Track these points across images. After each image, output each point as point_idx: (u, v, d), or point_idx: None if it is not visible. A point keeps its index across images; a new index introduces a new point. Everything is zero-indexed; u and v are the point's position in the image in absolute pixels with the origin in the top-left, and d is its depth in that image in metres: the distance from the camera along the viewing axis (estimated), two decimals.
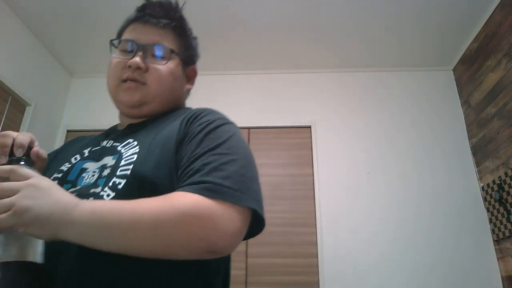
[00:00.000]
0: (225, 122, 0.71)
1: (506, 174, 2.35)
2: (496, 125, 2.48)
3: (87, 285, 0.55)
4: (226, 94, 3.17)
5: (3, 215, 0.50)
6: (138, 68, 0.75)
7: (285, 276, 2.54)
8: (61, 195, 0.55)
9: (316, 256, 2.58)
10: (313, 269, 2.55)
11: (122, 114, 0.83)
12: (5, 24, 2.56)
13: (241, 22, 2.68)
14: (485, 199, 2.62)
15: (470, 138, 2.84)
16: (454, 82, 3.07)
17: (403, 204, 2.70)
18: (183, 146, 0.65)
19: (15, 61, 2.66)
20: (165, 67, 0.77)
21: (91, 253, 0.53)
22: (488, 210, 2.59)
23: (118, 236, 0.53)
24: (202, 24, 2.70)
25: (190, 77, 0.88)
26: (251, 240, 2.64)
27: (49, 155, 0.73)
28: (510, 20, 2.32)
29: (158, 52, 0.77)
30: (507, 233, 2.36)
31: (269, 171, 2.85)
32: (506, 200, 2.35)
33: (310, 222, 2.68)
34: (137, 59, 0.75)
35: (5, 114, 2.56)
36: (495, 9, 2.46)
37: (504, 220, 2.39)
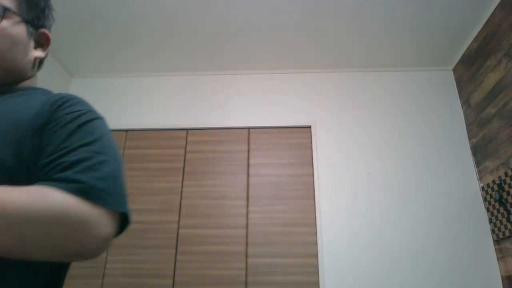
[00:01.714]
0: (97, 117, 0.66)
1: (506, 174, 2.35)
2: (496, 125, 2.48)
3: None
4: (226, 94, 3.17)
5: None
6: None
7: (285, 276, 2.54)
8: None
9: (316, 256, 2.58)
10: (313, 269, 2.55)
11: None
12: None
13: (241, 22, 2.68)
14: (485, 199, 2.62)
15: (470, 138, 2.84)
16: (454, 82, 3.07)
17: (403, 204, 2.70)
18: (46, 133, 0.60)
19: None
20: None
21: None
22: (488, 210, 2.59)
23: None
24: (201, 25, 2.70)
25: (41, 43, 0.77)
26: (251, 240, 2.65)
27: None
28: (510, 20, 2.32)
29: None
30: (507, 233, 2.36)
31: (269, 171, 2.85)
32: (506, 200, 2.35)
33: (310, 222, 2.68)
34: None
35: None
36: (495, 9, 2.46)
37: (504, 220, 2.39)
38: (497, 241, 2.52)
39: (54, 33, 2.80)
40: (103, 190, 0.56)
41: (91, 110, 0.67)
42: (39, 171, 0.57)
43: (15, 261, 0.53)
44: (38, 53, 0.76)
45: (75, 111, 0.64)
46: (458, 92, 3.02)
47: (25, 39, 0.71)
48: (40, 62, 0.80)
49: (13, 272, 0.54)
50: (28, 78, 0.75)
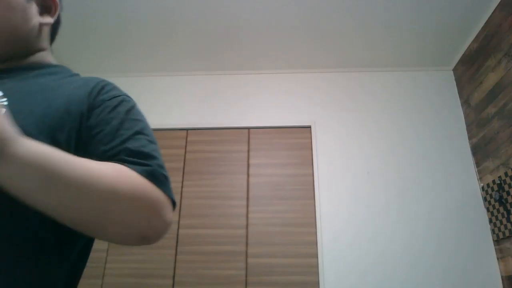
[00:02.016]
0: (134, 102, 0.69)
1: (506, 174, 2.35)
2: (496, 125, 2.48)
3: None
4: (226, 94, 3.17)
5: None
6: None
7: (285, 276, 2.54)
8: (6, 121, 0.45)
9: (316, 256, 2.58)
10: (313, 269, 2.55)
11: None
12: None
13: (241, 22, 2.68)
14: (485, 199, 2.62)
15: (470, 138, 2.84)
16: (454, 82, 3.07)
17: (403, 204, 2.70)
18: (93, 119, 0.60)
19: None
20: None
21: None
22: (488, 210, 2.59)
23: (65, 192, 0.47)
24: (201, 25, 2.70)
25: (47, 8, 0.69)
26: (251, 240, 2.65)
27: None
28: (510, 20, 2.32)
29: None
30: (507, 233, 2.36)
31: (269, 171, 2.85)
32: (506, 200, 2.35)
33: (310, 222, 2.68)
34: None
35: None
36: (495, 9, 2.46)
37: (504, 220, 2.39)
38: (497, 241, 2.52)
39: None
40: (166, 177, 0.58)
41: (126, 95, 0.68)
42: (97, 157, 0.56)
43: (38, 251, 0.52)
44: (45, 19, 0.68)
45: (117, 96, 0.64)
46: (458, 92, 3.02)
47: (22, 2, 0.63)
48: (52, 32, 0.73)
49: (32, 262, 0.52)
50: (40, 50, 0.69)
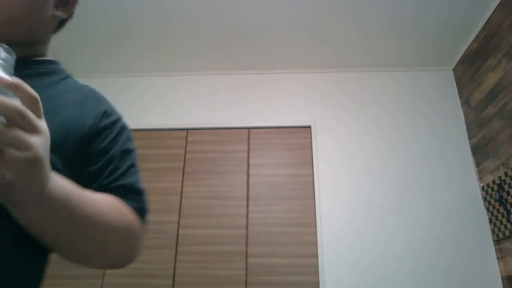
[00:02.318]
0: (128, 126, 0.72)
1: (506, 174, 2.35)
2: (496, 125, 2.48)
3: None
4: (226, 94, 3.17)
5: (17, 154, 0.36)
6: None
7: (285, 276, 2.54)
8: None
9: (316, 256, 2.58)
10: (313, 269, 2.55)
11: None
12: None
13: (240, 22, 2.68)
14: (485, 199, 2.62)
15: (470, 138, 2.84)
16: (454, 82, 3.07)
17: (403, 204, 2.70)
18: (94, 142, 0.62)
19: None
20: None
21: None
22: (488, 210, 2.59)
23: (78, 229, 0.50)
24: (201, 25, 2.70)
25: (64, 1, 0.67)
26: (251, 240, 2.65)
27: None
28: (510, 20, 2.32)
29: None
30: (507, 233, 2.36)
31: (269, 171, 2.85)
32: (506, 200, 2.35)
33: (310, 222, 2.68)
34: None
35: None
36: (495, 9, 2.46)
37: (504, 220, 2.39)
38: (497, 241, 2.52)
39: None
40: (148, 211, 0.67)
41: (122, 117, 0.71)
42: (97, 185, 0.60)
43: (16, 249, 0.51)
44: (58, 12, 0.65)
45: (116, 121, 0.68)
46: (458, 92, 3.02)
47: None
48: (58, 25, 0.71)
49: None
50: (42, 42, 0.67)
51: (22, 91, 0.38)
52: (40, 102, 0.40)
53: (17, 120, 0.36)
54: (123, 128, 0.69)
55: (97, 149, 0.62)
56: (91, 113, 0.63)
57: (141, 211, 0.64)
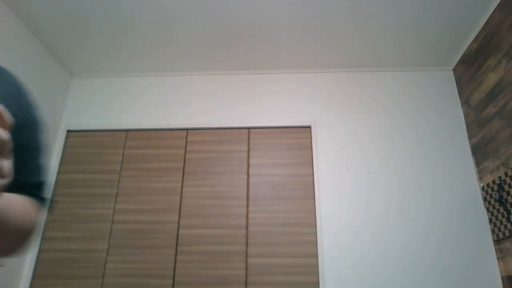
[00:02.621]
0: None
1: (506, 174, 2.35)
2: (496, 125, 2.48)
3: None
4: (226, 94, 3.17)
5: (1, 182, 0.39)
6: None
7: (285, 276, 2.54)
8: None
9: (316, 256, 2.58)
10: (313, 269, 2.55)
11: None
12: (5, 24, 2.56)
13: (240, 22, 2.68)
14: (485, 199, 2.62)
15: (470, 138, 2.84)
16: (454, 82, 3.07)
17: (403, 204, 2.70)
18: (17, 139, 0.64)
19: (15, 61, 2.66)
20: None
21: None
22: (488, 210, 2.59)
23: (19, 218, 0.59)
24: (200, 25, 2.70)
25: None
26: (251, 240, 2.65)
27: None
28: (510, 20, 2.32)
29: None
30: (507, 233, 2.36)
31: (269, 171, 2.85)
32: (506, 200, 2.35)
33: (310, 222, 2.68)
34: None
35: None
36: (495, 9, 2.46)
37: (504, 220, 2.39)
38: (497, 241, 2.52)
39: (54, 33, 2.81)
40: (47, 199, 0.74)
41: (36, 110, 0.74)
42: (13, 180, 0.65)
43: None
44: None
45: (34, 118, 0.70)
46: (458, 92, 3.02)
47: None
48: None
49: None
50: None
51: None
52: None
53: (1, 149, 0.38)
54: (39, 123, 0.72)
55: (18, 144, 0.65)
56: (15, 102, 0.66)
57: (44, 205, 0.71)
